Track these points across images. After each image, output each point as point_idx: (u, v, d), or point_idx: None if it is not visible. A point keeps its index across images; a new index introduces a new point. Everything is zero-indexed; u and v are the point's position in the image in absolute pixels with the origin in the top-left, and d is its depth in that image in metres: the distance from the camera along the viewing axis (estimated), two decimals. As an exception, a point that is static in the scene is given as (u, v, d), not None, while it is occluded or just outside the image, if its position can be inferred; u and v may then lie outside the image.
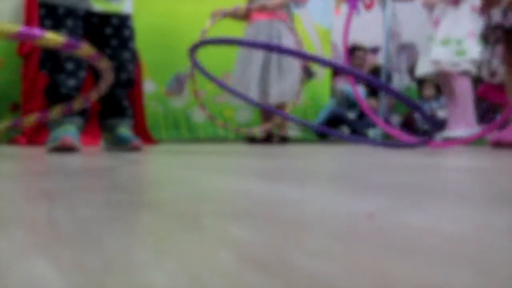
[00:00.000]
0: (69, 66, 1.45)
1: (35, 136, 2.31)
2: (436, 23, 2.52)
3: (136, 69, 2.65)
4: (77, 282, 0.18)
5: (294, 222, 0.32)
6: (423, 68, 2.60)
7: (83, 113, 1.52)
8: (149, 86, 2.98)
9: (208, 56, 2.95)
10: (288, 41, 2.49)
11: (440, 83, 2.68)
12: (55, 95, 1.47)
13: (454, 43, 2.45)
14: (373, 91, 3.56)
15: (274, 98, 2.45)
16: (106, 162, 1.00)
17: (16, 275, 0.19)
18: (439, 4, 2.52)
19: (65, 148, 1.35)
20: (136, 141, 1.53)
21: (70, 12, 1.47)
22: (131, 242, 0.26)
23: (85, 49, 1.10)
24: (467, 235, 0.27)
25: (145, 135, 2.66)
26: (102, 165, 0.93)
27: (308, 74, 3.59)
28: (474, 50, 2.44)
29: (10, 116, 2.51)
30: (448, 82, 2.55)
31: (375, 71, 3.63)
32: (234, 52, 2.66)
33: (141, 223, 0.33)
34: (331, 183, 0.62)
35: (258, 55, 2.47)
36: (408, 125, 3.46)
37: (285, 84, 2.46)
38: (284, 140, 2.59)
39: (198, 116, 3.09)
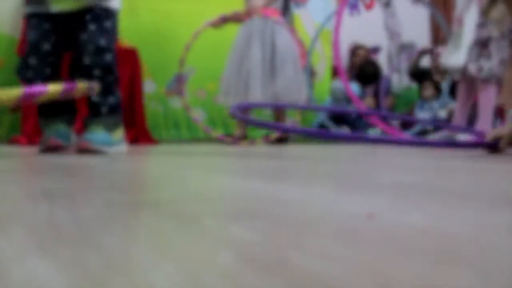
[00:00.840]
0: (32, 61, 1.42)
1: (35, 136, 2.31)
2: (460, 21, 2.49)
3: (136, 69, 2.66)
4: (77, 282, 0.18)
5: (294, 222, 0.32)
6: (456, 60, 2.54)
7: (70, 108, 1.48)
8: (149, 86, 2.98)
9: (206, 59, 2.95)
10: (281, 39, 2.47)
11: (460, 85, 2.65)
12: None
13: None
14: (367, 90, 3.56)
15: (269, 98, 2.42)
16: (106, 162, 1.00)
17: (16, 275, 0.19)
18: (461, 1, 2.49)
19: (53, 149, 1.33)
20: (84, 142, 1.35)
21: (35, 18, 1.45)
22: (131, 242, 0.26)
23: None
24: (467, 235, 0.27)
25: (145, 135, 2.66)
26: (102, 165, 0.93)
27: (309, 74, 3.58)
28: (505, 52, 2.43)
29: (10, 116, 2.51)
30: (470, 86, 2.53)
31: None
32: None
33: (141, 223, 0.33)
34: (331, 183, 0.62)
35: (254, 57, 2.44)
36: (408, 125, 3.46)
37: (277, 84, 2.42)
38: (282, 140, 2.56)
39: (198, 116, 3.10)
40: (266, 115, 2.92)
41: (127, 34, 2.81)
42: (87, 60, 1.43)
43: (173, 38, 3.02)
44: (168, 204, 0.40)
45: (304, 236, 0.28)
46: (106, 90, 1.45)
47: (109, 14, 1.53)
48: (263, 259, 0.22)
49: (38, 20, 1.46)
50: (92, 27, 1.47)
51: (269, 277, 0.19)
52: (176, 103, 3.09)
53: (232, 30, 2.63)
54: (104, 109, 1.45)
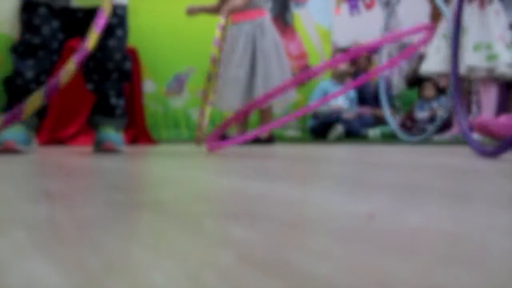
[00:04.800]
0: (41, 53, 1.40)
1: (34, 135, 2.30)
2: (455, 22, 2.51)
3: (136, 69, 2.66)
4: (77, 282, 0.18)
5: (294, 222, 0.32)
6: (432, 65, 2.56)
7: (38, 112, 1.47)
8: (149, 86, 2.98)
9: (206, 59, 2.95)
10: (267, 41, 2.45)
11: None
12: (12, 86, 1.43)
13: (484, 47, 2.43)
14: (363, 99, 3.55)
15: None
16: (106, 162, 1.00)
17: (16, 275, 0.19)
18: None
19: (8, 151, 1.29)
20: (109, 143, 1.39)
21: (43, 6, 1.42)
22: (131, 242, 0.26)
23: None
24: (467, 235, 0.27)
25: (145, 135, 2.66)
26: (102, 165, 0.93)
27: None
28: (505, 53, 2.44)
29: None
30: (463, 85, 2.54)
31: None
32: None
33: (141, 223, 0.33)
34: (331, 183, 0.62)
35: (242, 55, 2.43)
36: (406, 126, 3.46)
37: (270, 86, 2.42)
38: (269, 141, 2.53)
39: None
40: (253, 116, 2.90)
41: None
42: (111, 65, 1.47)
43: (173, 38, 3.02)
44: (168, 204, 0.40)
45: (304, 236, 0.28)
46: (119, 93, 1.50)
47: (125, 15, 1.55)
48: (263, 259, 0.22)
49: (47, 12, 1.43)
50: (119, 33, 1.50)
51: (269, 277, 0.19)
52: (176, 103, 3.09)
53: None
54: (118, 111, 1.50)
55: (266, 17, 2.49)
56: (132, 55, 2.61)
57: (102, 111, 1.49)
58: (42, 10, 1.42)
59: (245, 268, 0.20)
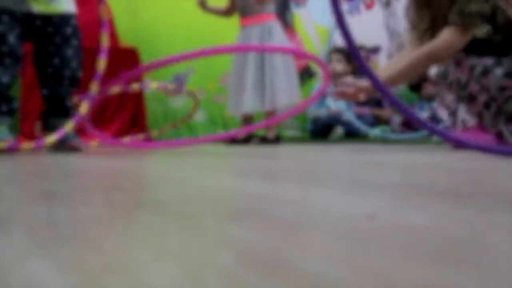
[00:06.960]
0: (7, 61, 1.45)
1: (34, 136, 2.31)
2: None
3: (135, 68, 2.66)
4: (77, 282, 0.18)
5: (294, 222, 0.32)
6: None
7: (10, 111, 1.49)
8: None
9: (206, 59, 2.94)
10: (275, 44, 2.47)
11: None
12: None
13: None
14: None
15: (268, 104, 2.44)
16: (105, 162, 1.00)
17: (16, 275, 0.19)
18: None
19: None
20: (74, 141, 1.51)
21: (6, 14, 1.46)
22: (131, 242, 0.26)
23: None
24: (466, 235, 0.27)
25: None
26: (102, 165, 0.93)
27: (308, 74, 3.59)
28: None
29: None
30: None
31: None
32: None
33: (141, 223, 0.33)
34: (331, 183, 0.62)
35: (251, 58, 2.45)
36: (408, 125, 3.45)
37: (278, 88, 2.44)
38: (276, 140, 2.55)
39: (198, 116, 3.09)
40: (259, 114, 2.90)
41: (127, 34, 2.81)
42: (67, 73, 1.57)
43: (173, 38, 3.02)
44: (168, 204, 0.40)
45: (304, 236, 0.28)
46: (70, 97, 1.61)
47: (77, 24, 1.62)
48: (263, 259, 0.22)
49: (10, 19, 1.47)
50: (74, 42, 1.59)
51: (269, 277, 0.19)
52: (176, 103, 3.09)
53: (232, 31, 2.63)
54: (71, 113, 1.61)
55: (274, 20, 2.51)
56: (132, 55, 2.63)
57: (58, 113, 1.59)
58: (5, 18, 1.46)
59: (245, 268, 0.20)
